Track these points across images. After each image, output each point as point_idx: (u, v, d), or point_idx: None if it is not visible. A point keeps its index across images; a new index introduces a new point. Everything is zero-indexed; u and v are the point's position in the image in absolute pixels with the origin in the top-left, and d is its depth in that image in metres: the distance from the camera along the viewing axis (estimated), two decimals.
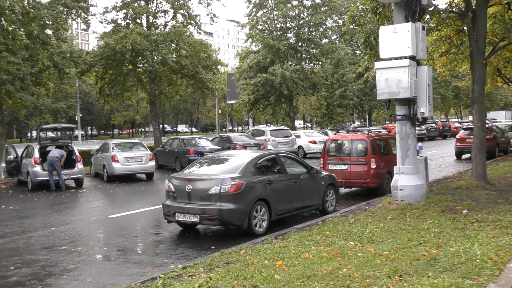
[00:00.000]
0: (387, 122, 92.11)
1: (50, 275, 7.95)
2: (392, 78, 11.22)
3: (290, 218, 11.33)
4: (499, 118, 69.89)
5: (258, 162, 10.78)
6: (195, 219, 9.99)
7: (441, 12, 14.03)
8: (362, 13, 14.98)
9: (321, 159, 15.45)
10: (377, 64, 11.55)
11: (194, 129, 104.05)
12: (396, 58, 11.34)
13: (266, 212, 10.34)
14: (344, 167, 14.77)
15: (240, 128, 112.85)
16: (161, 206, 13.54)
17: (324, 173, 12.77)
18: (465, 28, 14.33)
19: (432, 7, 13.43)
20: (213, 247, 9.21)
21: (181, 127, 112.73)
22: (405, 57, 11.21)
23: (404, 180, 11.61)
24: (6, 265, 8.55)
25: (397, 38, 11.22)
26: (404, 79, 11.07)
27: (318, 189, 12.02)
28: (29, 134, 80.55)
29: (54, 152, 18.53)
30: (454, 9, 14.38)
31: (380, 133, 16.44)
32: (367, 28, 15.06)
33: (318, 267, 6.51)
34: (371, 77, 17.01)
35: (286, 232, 9.53)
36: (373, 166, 14.35)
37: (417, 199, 11.47)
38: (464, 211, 10.01)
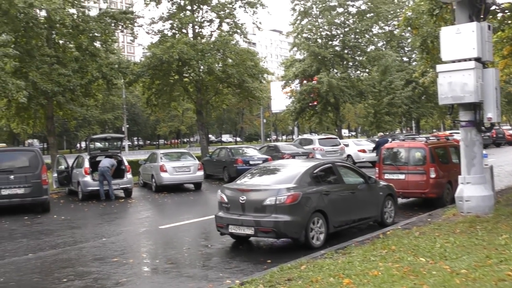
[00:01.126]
0: (434, 130, 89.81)
1: None
2: (456, 82, 10.54)
3: (347, 231, 10.76)
4: None
5: (314, 171, 10.28)
6: (249, 231, 9.57)
7: (506, 11, 13.23)
8: (417, 16, 14.37)
9: (377, 168, 14.80)
10: (440, 67, 10.89)
11: (238, 139, 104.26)
12: (459, 61, 10.65)
13: (324, 224, 9.82)
14: (401, 176, 14.08)
15: (284, 137, 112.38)
16: (211, 217, 13.26)
17: (382, 183, 12.15)
18: None
19: (495, 6, 12.67)
20: (269, 261, 8.75)
21: (225, 137, 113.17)
22: (470, 59, 10.52)
23: (470, 191, 10.86)
24: (59, 277, 8.34)
25: (461, 39, 10.55)
26: (470, 82, 10.37)
27: (377, 200, 11.42)
28: (78, 145, 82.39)
29: (105, 162, 18.54)
30: None
31: (438, 141, 15.65)
32: (423, 31, 14.42)
33: (390, 287, 5.96)
34: (427, 82, 16.29)
35: (346, 246, 8.99)
36: (433, 175, 13.61)
37: (485, 211, 10.70)
38: None
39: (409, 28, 14.78)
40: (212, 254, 9.74)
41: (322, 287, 6.14)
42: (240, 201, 9.71)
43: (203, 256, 9.61)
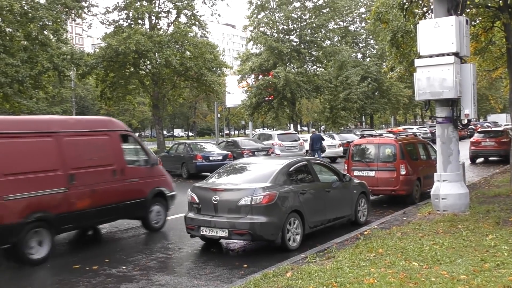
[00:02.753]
0: (383, 125, 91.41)
1: None
2: (435, 77, 10.27)
3: (321, 231, 10.32)
4: (500, 121, 69.19)
5: (290, 170, 9.79)
6: (223, 233, 8.97)
7: (479, 6, 13.11)
8: (387, 10, 14.09)
9: (345, 165, 14.48)
10: (418, 62, 10.59)
11: (190, 133, 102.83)
12: (437, 55, 10.39)
13: (300, 224, 9.36)
14: (371, 173, 13.80)
15: (236, 132, 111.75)
16: (174, 216, 12.62)
17: (356, 180, 11.78)
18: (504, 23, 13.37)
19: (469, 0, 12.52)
20: (245, 265, 8.21)
21: (177, 132, 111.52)
22: (448, 54, 10.26)
23: (446, 188, 10.64)
24: None
25: (439, 33, 10.27)
26: (449, 78, 10.12)
27: (351, 198, 11.06)
28: None
29: None
30: (489, 3, 13.45)
31: (407, 137, 15.49)
32: (393, 25, 14.15)
33: None
34: (395, 77, 16.07)
35: (327, 248, 8.55)
36: (403, 172, 13.39)
37: (461, 209, 10.52)
38: None
39: (378, 22, 14.45)
40: (182, 259, 9.08)
41: None
42: (213, 201, 9.11)
43: (174, 260, 8.95)
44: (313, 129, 34.83)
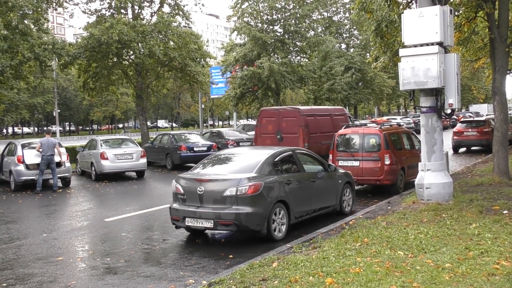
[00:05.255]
0: (366, 115, 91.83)
1: None
2: (419, 67, 10.29)
3: (306, 221, 10.34)
4: (481, 111, 70.02)
5: (275, 160, 9.77)
6: (208, 224, 8.94)
7: None
8: None
9: (330, 155, 14.51)
10: (403, 52, 10.60)
11: (174, 124, 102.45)
12: (421, 45, 10.41)
13: (285, 215, 9.37)
14: (356, 163, 13.85)
15: (220, 123, 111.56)
16: (159, 207, 12.56)
17: (341, 170, 11.81)
18: (487, 13, 13.41)
19: None
20: (231, 256, 8.20)
21: (161, 122, 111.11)
22: (433, 44, 10.28)
23: (430, 178, 10.71)
24: None
25: (424, 22, 10.29)
26: (433, 67, 10.15)
27: (336, 188, 11.09)
28: (4, 131, 78.13)
29: (48, 146, 17.03)
30: None
31: (391, 127, 15.54)
32: (377, 15, 14.14)
33: (378, 286, 5.52)
34: (379, 67, 16.11)
35: (312, 238, 8.56)
36: (387, 162, 13.47)
37: (445, 198, 10.60)
38: (504, 212, 9.16)
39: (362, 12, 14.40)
40: (167, 250, 9.03)
41: None
42: (198, 192, 9.06)
43: (159, 252, 8.88)
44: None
